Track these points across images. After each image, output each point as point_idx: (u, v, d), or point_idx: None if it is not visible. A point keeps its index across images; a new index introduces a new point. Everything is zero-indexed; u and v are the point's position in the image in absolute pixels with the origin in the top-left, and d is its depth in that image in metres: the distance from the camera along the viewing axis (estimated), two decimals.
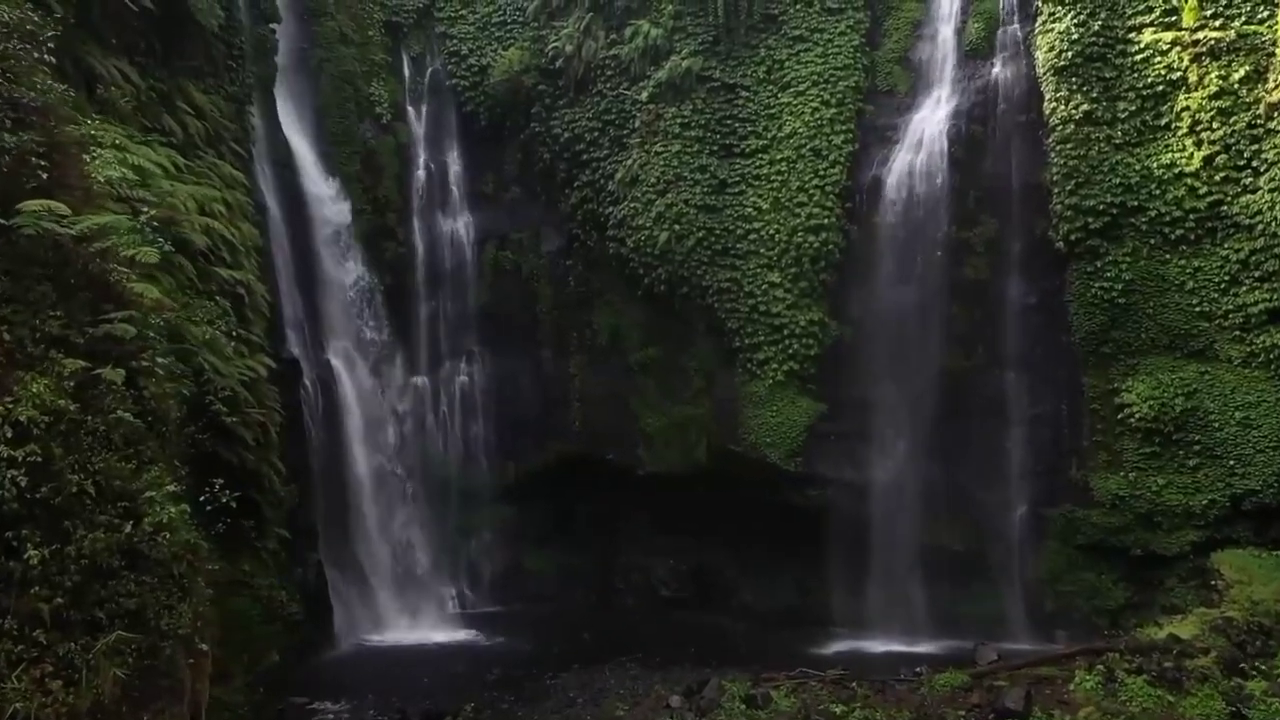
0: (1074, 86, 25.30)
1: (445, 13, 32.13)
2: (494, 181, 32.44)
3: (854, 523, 26.84)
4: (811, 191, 27.51)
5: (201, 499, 11.53)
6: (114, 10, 18.23)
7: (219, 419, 16.63)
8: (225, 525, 13.75)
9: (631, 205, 29.01)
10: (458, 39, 32.00)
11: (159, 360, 10.73)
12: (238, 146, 23.02)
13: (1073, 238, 25.27)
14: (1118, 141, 24.97)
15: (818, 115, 27.88)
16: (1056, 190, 25.42)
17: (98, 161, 11.80)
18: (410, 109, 32.07)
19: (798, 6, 28.74)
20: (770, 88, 28.63)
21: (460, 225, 32.02)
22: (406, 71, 32.20)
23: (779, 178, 27.95)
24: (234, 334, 19.84)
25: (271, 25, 27.38)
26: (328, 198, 28.28)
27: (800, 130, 27.93)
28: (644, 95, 29.28)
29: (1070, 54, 25.25)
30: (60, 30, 15.34)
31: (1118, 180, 24.81)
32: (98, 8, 17.95)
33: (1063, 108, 25.39)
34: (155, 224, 11.88)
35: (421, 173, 31.93)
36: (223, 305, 19.63)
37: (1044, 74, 25.78)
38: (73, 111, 12.99)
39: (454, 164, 32.35)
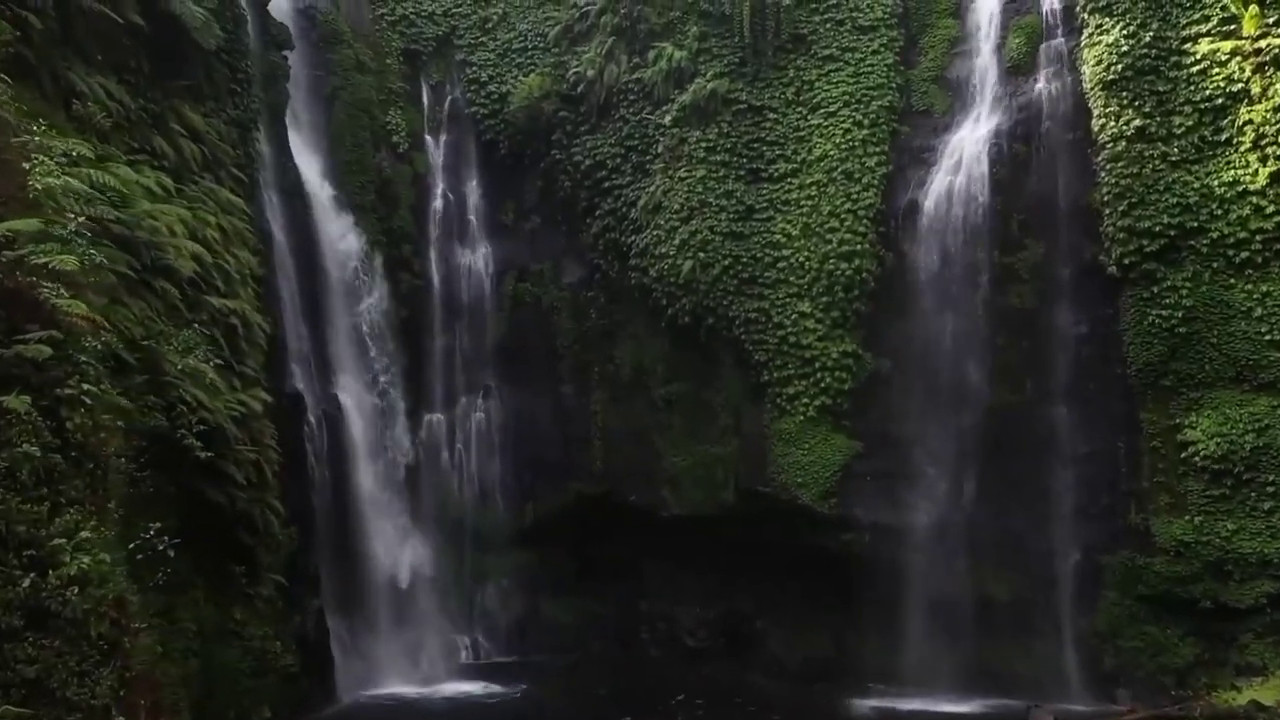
0: (1125, 101, 23.69)
1: (465, 40, 31.39)
2: (514, 211, 31.44)
3: (893, 569, 25.22)
4: (843, 216, 26.14)
5: (133, 546, 10.11)
6: (100, 27, 17.33)
7: (191, 455, 15.26)
8: (170, 574, 12.38)
9: (654, 233, 27.80)
10: (478, 66, 31.21)
11: (87, 387, 9.41)
12: (239, 172, 21.98)
13: (1127, 262, 23.52)
14: (1174, 159, 23.23)
15: (850, 137, 26.56)
16: (1108, 211, 23.75)
17: (37, 170, 10.68)
18: (429, 138, 31.25)
19: (828, 25, 27.62)
20: (799, 109, 27.43)
21: (478, 256, 31.00)
22: (426, 100, 31.45)
23: (809, 202, 26.63)
24: (227, 365, 18.80)
25: (284, 52, 26.63)
26: (339, 228, 27.33)
27: (831, 153, 26.62)
28: (668, 119, 28.19)
29: (1120, 67, 23.68)
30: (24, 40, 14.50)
31: (1175, 200, 23.05)
32: (83, 24, 17.08)
33: (1113, 124, 23.77)
34: (87, 231, 10.64)
35: (439, 203, 31.02)
36: (212, 335, 18.50)
37: (1092, 89, 24.23)
38: (24, 120, 11.91)
39: (473, 193, 31.42)
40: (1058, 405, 24.62)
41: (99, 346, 10.23)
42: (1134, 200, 23.41)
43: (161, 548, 10.13)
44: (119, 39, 17.97)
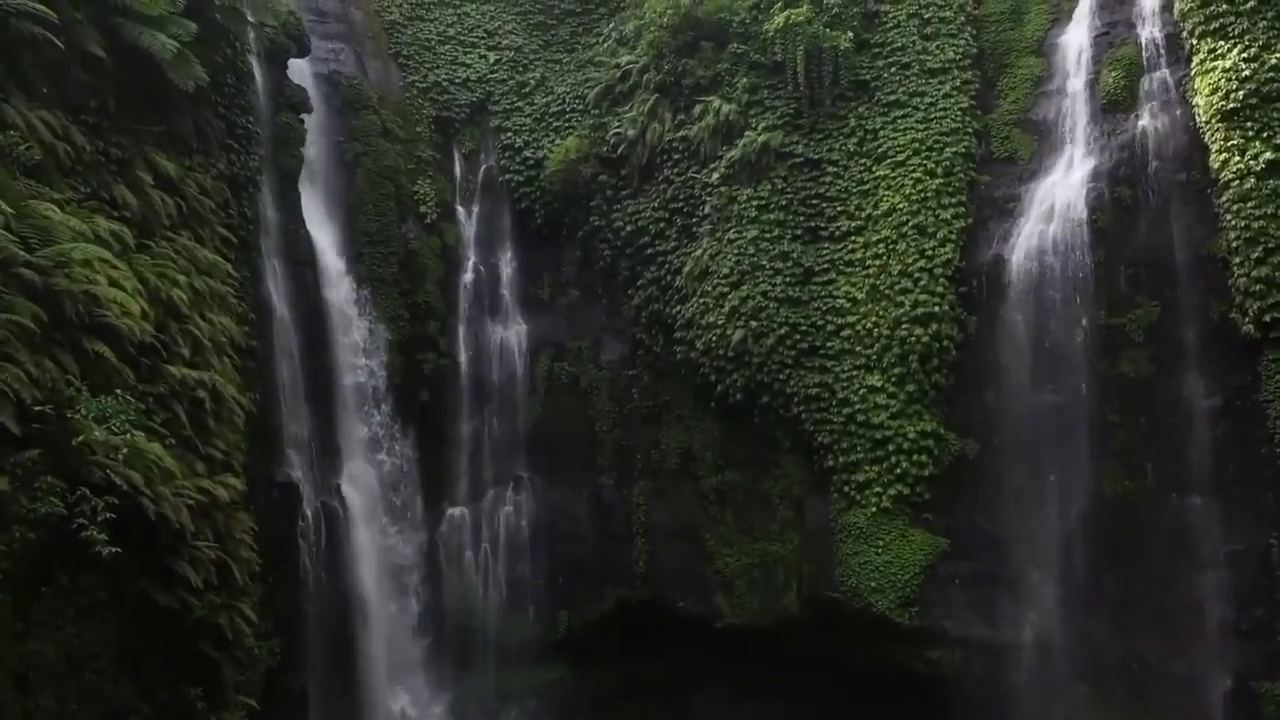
0: (1251, 132, 20.14)
1: (501, 106, 29.48)
2: (550, 284, 28.94)
3: (992, 696, 21.61)
4: (917, 276, 23.01)
5: None
6: (51, 58, 15.33)
7: (93, 550, 12.30)
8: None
9: (701, 301, 24.92)
10: (513, 132, 29.21)
11: None
12: (227, 232, 19.78)
13: (1267, 319, 19.61)
14: None
15: (921, 187, 23.58)
16: (1238, 260, 20.01)
17: None
18: (460, 208, 29.06)
19: (892, 70, 25.09)
20: (863, 161, 24.67)
21: (511, 333, 28.39)
22: (458, 169, 29.43)
23: (876, 262, 23.61)
24: (188, 446, 16.18)
25: (300, 115, 24.83)
26: (353, 301, 24.99)
27: (901, 206, 23.63)
28: (715, 177, 25.63)
29: (1242, 94, 20.23)
30: None
31: None
32: (30, 54, 15.07)
33: (1238, 159, 20.17)
34: None
35: (469, 276, 28.63)
36: (171, 410, 15.89)
37: (1207, 121, 20.77)
38: None
39: (506, 266, 29.01)
40: (1189, 494, 20.51)
41: None
42: (1270, 246, 19.63)
43: None
44: (75, 74, 15.94)
